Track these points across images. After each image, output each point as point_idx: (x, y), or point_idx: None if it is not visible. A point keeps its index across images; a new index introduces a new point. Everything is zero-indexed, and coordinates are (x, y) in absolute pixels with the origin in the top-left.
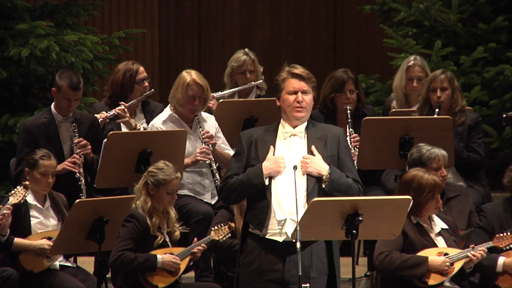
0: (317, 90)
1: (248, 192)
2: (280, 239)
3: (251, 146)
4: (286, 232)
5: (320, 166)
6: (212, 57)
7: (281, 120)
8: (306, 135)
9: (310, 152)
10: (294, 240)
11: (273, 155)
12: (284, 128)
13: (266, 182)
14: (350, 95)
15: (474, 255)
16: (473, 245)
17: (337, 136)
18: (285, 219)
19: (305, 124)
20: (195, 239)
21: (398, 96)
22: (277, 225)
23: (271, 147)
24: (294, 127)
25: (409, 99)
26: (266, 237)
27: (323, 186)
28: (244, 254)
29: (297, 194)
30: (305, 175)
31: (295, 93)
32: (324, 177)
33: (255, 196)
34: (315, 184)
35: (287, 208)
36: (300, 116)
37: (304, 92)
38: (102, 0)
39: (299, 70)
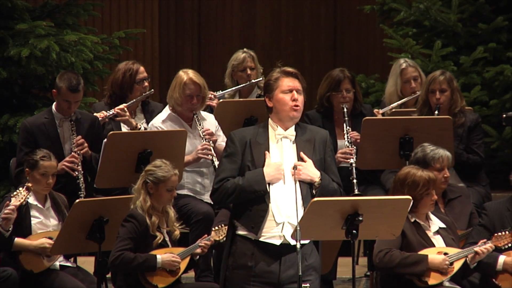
0: (313, 91)
1: (247, 197)
2: (278, 242)
3: (245, 148)
4: (284, 235)
5: (312, 173)
6: (212, 57)
7: (270, 121)
8: (295, 137)
9: (300, 158)
10: (292, 242)
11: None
12: (276, 130)
13: (268, 189)
14: (346, 94)
15: (481, 251)
16: (484, 240)
17: (324, 139)
18: (283, 223)
19: (294, 126)
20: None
21: (392, 102)
22: (276, 228)
23: (267, 152)
24: (285, 129)
25: (407, 102)
26: (261, 240)
27: (314, 192)
28: (233, 257)
29: (295, 198)
30: (298, 180)
31: (291, 91)
32: (316, 183)
33: (252, 200)
34: (308, 188)
35: (285, 211)
36: (297, 115)
37: (297, 91)
38: (102, 0)
39: (292, 69)
